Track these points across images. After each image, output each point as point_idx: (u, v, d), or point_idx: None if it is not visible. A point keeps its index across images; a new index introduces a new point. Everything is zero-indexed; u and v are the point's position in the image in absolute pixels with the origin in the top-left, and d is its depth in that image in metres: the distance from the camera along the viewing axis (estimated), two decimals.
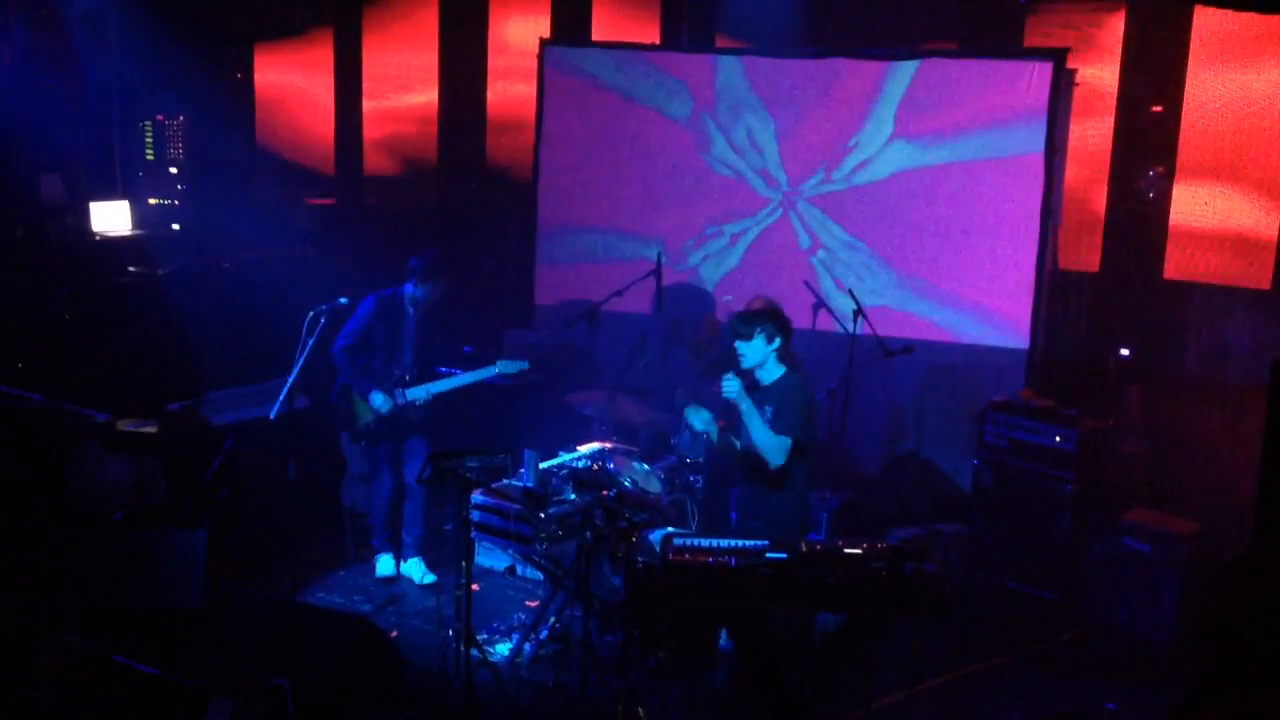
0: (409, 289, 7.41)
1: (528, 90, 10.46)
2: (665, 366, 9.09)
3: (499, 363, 7.45)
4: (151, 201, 10.29)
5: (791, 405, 5.88)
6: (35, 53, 9.44)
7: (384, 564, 7.72)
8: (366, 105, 11.62)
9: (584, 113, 9.96)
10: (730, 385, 5.81)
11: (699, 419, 6.10)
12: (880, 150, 9.13)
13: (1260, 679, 3.00)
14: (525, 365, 7.50)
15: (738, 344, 6.01)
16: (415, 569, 7.69)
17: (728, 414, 6.16)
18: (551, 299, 10.07)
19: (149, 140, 10.44)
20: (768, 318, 6.02)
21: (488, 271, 10.78)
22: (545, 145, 10.10)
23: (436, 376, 7.50)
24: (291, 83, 11.61)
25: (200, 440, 7.51)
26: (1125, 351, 8.86)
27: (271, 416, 6.86)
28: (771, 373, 6.02)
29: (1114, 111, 9.02)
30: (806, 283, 8.84)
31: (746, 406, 5.84)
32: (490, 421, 8.41)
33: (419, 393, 7.39)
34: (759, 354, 5.96)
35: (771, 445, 5.80)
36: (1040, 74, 8.64)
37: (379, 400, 7.34)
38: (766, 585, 5.23)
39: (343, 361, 7.36)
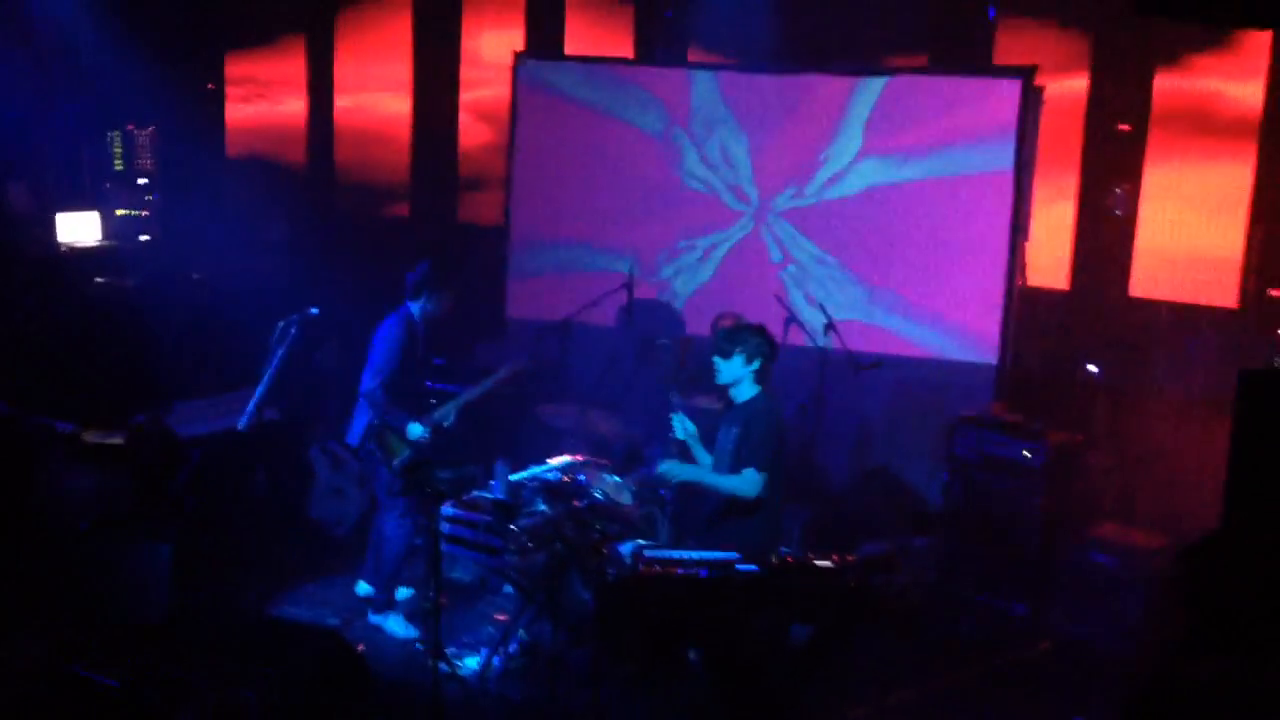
0: (414, 307, 7.17)
1: (500, 100, 10.46)
2: (637, 380, 9.09)
3: (506, 364, 7.34)
4: (120, 212, 10.24)
5: (758, 433, 5.84)
6: (3, 60, 9.38)
7: (396, 625, 7.19)
8: (338, 114, 11.58)
9: (557, 126, 9.97)
10: (669, 469, 5.83)
11: (671, 469, 6.10)
12: (850, 165, 9.18)
13: (1232, 645, 3.07)
14: (526, 362, 7.45)
15: (715, 359, 5.98)
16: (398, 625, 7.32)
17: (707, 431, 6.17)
18: (523, 312, 10.04)
19: (118, 150, 10.39)
20: (753, 338, 5.97)
21: (456, 282, 10.75)
22: (518, 157, 10.10)
23: (439, 394, 7.30)
24: (262, 92, 11.57)
25: (167, 451, 7.44)
26: (1093, 367, 8.91)
27: (240, 428, 6.81)
28: (745, 392, 6.00)
29: (1081, 127, 9.09)
30: (777, 297, 8.88)
31: (696, 475, 5.85)
32: (461, 433, 8.39)
33: (448, 415, 7.14)
34: (735, 373, 5.94)
35: (739, 487, 5.77)
36: (1008, 91, 8.72)
37: (418, 431, 7.01)
38: (737, 597, 5.25)
39: (382, 399, 6.97)
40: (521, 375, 7.44)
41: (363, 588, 7.40)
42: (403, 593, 7.42)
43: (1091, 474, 8.16)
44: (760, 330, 6.13)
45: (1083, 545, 7.38)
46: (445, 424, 7.13)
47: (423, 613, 6.52)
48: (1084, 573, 7.34)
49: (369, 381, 6.99)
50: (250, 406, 6.87)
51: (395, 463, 6.99)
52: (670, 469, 5.83)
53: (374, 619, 7.18)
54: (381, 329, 7.07)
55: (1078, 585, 7.39)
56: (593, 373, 9.14)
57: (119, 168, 10.35)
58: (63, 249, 9.49)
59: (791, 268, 9.39)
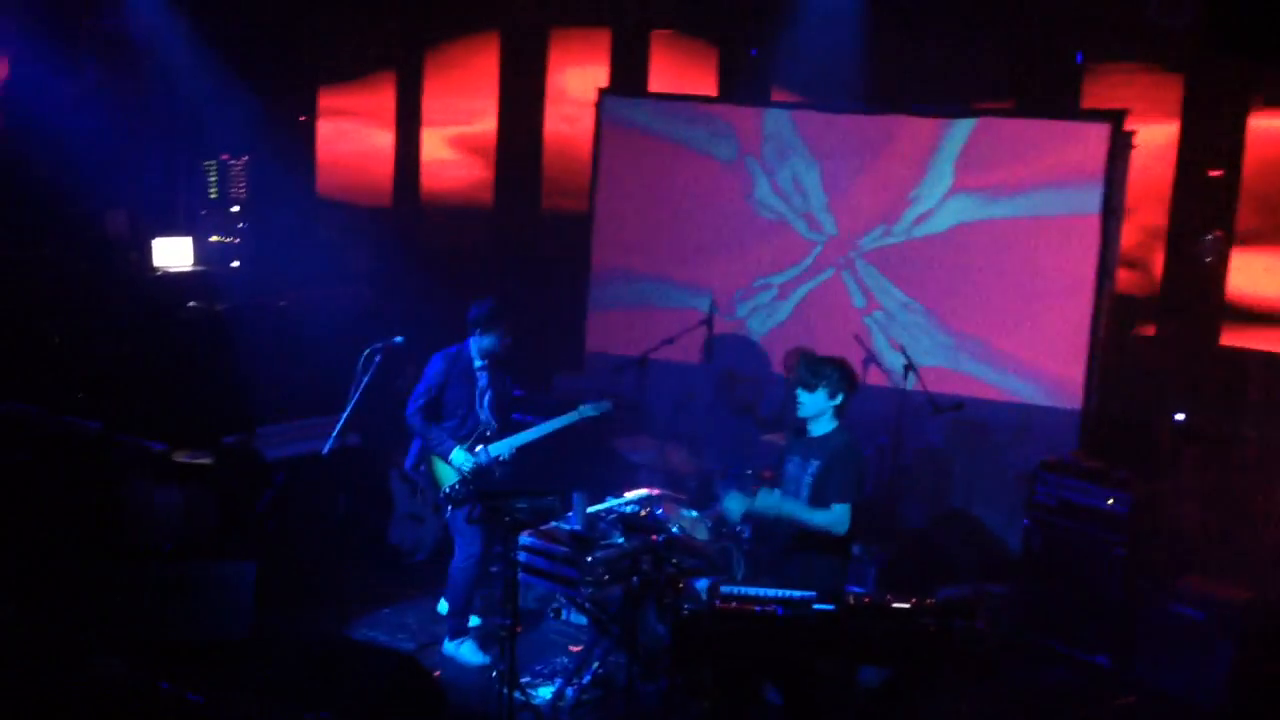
0: (471, 341, 7.21)
1: (584, 136, 10.57)
2: (713, 416, 9.09)
3: (581, 406, 7.27)
4: (213, 239, 10.48)
5: (846, 468, 5.77)
6: (105, 90, 9.67)
7: (467, 651, 7.17)
8: (425, 148, 11.76)
9: (639, 162, 10.06)
10: (764, 501, 5.79)
11: (735, 508, 6.05)
12: (940, 203, 9.14)
13: None
14: (609, 406, 7.30)
15: (799, 391, 5.93)
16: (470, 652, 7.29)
17: (775, 466, 6.13)
18: (601, 345, 10.10)
19: (213, 179, 10.65)
20: (835, 372, 5.91)
21: (539, 316, 10.85)
22: (600, 193, 10.20)
23: (517, 428, 7.32)
24: (352, 125, 11.79)
25: (252, 473, 7.58)
26: (1180, 416, 8.75)
27: (324, 452, 6.90)
28: (823, 426, 5.95)
29: (1172, 172, 8.98)
30: (857, 337, 8.85)
31: (790, 509, 5.77)
32: (539, 465, 8.43)
33: (501, 448, 7.15)
34: (818, 406, 5.89)
35: (829, 522, 5.69)
36: (1097, 134, 8.65)
37: (460, 458, 7.04)
38: (813, 636, 5.21)
39: (419, 424, 7.06)
40: (589, 421, 7.36)
41: (444, 606, 7.44)
42: (473, 620, 7.47)
43: (1177, 524, 8.00)
44: (842, 363, 6.05)
45: (1168, 596, 7.22)
46: (502, 458, 7.13)
47: (496, 638, 6.54)
48: (1169, 624, 7.17)
49: (408, 408, 7.10)
50: (334, 431, 6.97)
51: (443, 490, 7.08)
52: (764, 501, 5.77)
53: (447, 648, 7.22)
54: (429, 361, 7.17)
55: (1161, 637, 7.22)
56: (670, 407, 9.16)
57: (213, 196, 10.60)
58: (157, 273, 9.72)
59: (877, 313, 9.35)
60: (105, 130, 9.63)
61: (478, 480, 7.06)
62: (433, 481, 7.17)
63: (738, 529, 7.41)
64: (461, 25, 11.54)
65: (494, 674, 6.35)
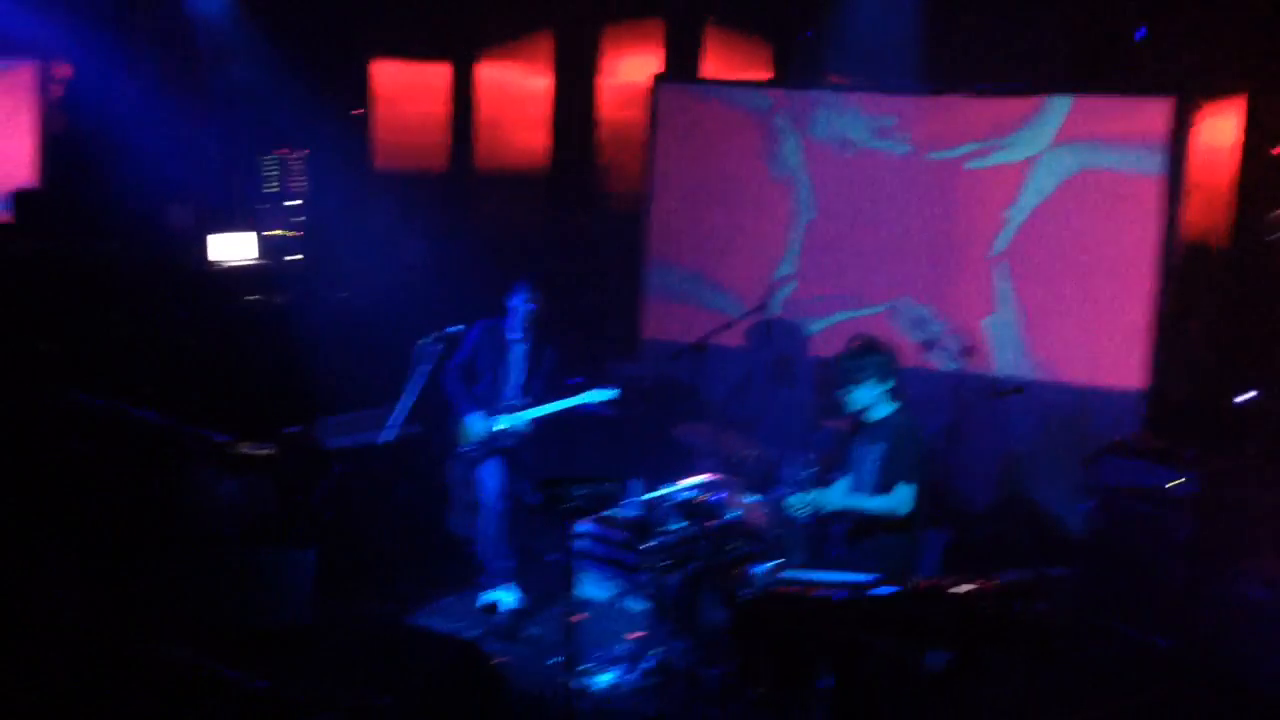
0: (509, 313, 7.47)
1: (639, 121, 10.53)
2: (771, 401, 9.06)
3: (592, 390, 7.43)
4: (272, 232, 10.58)
5: (907, 448, 5.76)
6: (165, 85, 9.78)
7: (508, 598, 7.57)
8: (480, 128, 11.76)
9: (694, 151, 10.02)
10: (820, 497, 5.76)
11: (799, 504, 6.05)
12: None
13: None
14: (616, 393, 7.41)
15: (848, 388, 5.91)
16: (506, 595, 7.60)
17: (833, 452, 6.11)
18: (657, 333, 10.10)
19: (273, 173, 10.75)
20: (875, 357, 5.90)
21: (594, 302, 10.84)
22: (656, 180, 10.18)
23: (534, 403, 7.48)
24: (409, 117, 11.82)
25: (313, 463, 7.65)
26: (1248, 395, 8.59)
27: (382, 442, 6.97)
28: (881, 410, 5.92)
29: (1239, 149, 8.80)
30: (917, 321, 8.77)
31: (854, 501, 5.75)
32: (596, 451, 8.45)
33: (511, 420, 7.40)
34: (869, 397, 5.88)
35: (892, 504, 5.68)
36: (1159, 110, 8.50)
37: (475, 423, 7.39)
38: (872, 620, 5.17)
39: (449, 382, 7.45)
40: (601, 406, 7.46)
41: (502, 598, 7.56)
42: (511, 598, 7.56)
43: (1245, 505, 7.86)
44: (876, 345, 6.03)
45: (1233, 578, 7.11)
46: (515, 428, 7.39)
47: (550, 629, 6.58)
48: (1236, 607, 7.06)
49: (446, 368, 7.43)
50: (393, 421, 7.04)
51: (461, 448, 7.48)
52: (823, 497, 5.77)
53: (484, 597, 7.46)
54: (474, 325, 7.51)
55: (1228, 619, 7.11)
56: (726, 393, 9.14)
57: (273, 189, 10.70)
58: (217, 267, 9.84)
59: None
60: (166, 126, 9.75)
61: (490, 446, 7.38)
62: (454, 439, 7.52)
63: (801, 520, 7.40)
64: (516, 26, 11.51)
65: (553, 661, 6.37)
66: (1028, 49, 9.24)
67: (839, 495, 5.86)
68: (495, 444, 7.43)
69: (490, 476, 7.48)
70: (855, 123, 9.46)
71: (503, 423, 7.40)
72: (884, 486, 5.74)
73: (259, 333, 9.13)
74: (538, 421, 7.42)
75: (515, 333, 7.47)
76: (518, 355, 7.49)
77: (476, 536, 7.72)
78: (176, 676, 5.47)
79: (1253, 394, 8.48)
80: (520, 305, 7.40)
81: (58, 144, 10.06)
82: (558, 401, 7.44)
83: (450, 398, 7.48)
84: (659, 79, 10.26)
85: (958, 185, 9.13)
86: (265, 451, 7.62)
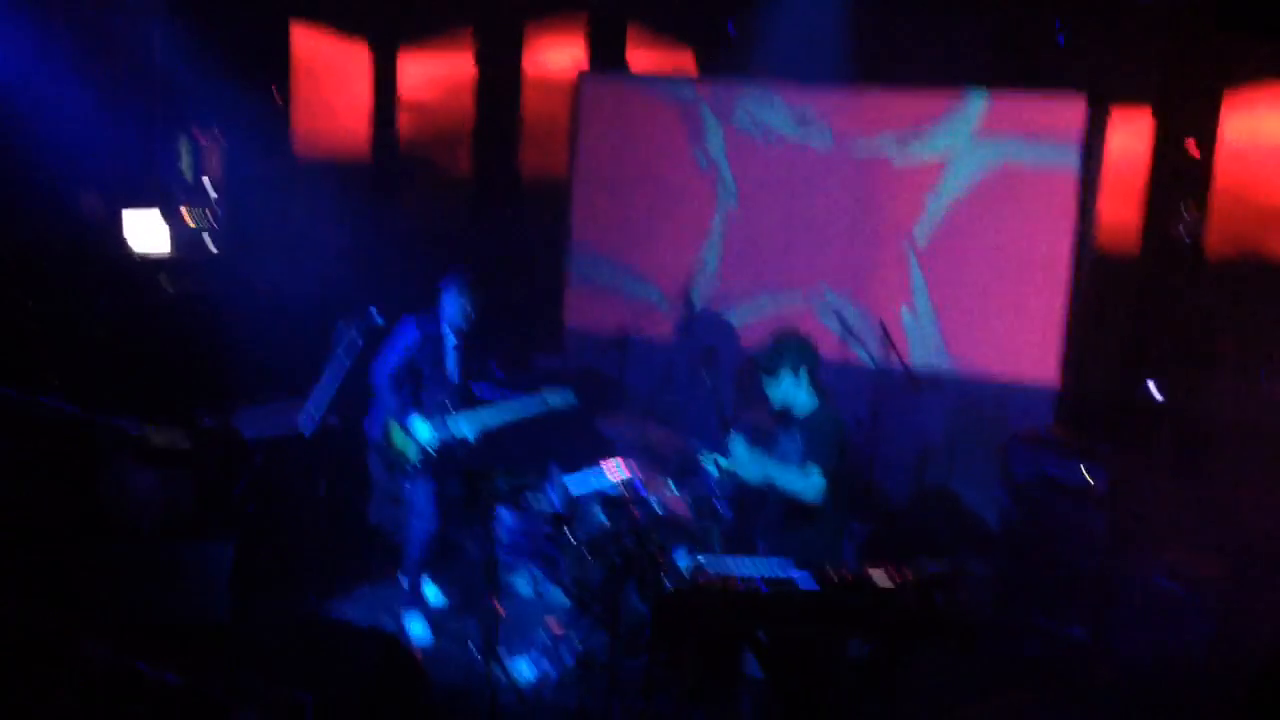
0: (442, 310, 7.22)
1: (562, 110, 10.47)
2: (693, 393, 9.09)
3: (544, 393, 7.21)
4: (187, 218, 10.37)
5: (823, 438, 5.81)
6: (77, 64, 9.54)
7: (416, 628, 7.26)
8: (402, 115, 11.63)
9: (618, 142, 10.03)
10: (737, 453, 5.80)
11: (712, 466, 6.09)
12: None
13: None
14: (572, 398, 7.22)
15: (765, 384, 5.94)
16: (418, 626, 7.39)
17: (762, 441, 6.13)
18: (580, 322, 10.09)
19: (187, 158, 10.54)
20: (790, 348, 5.93)
21: (517, 292, 10.79)
22: (579, 171, 10.17)
23: (478, 403, 7.24)
24: (330, 100, 11.66)
25: (231, 454, 7.53)
26: (1154, 389, 8.80)
27: (303, 432, 6.87)
28: (804, 402, 5.96)
29: (1151, 149, 8.99)
30: (836, 312, 8.86)
31: (762, 462, 5.79)
32: (518, 442, 8.41)
33: (467, 429, 7.09)
34: (787, 390, 5.90)
35: (802, 487, 5.72)
36: (1076, 106, 8.66)
37: (426, 434, 7.04)
38: (795, 611, 5.22)
39: (384, 388, 7.08)
40: (562, 412, 7.31)
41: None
42: (433, 594, 7.47)
43: (1155, 498, 8.05)
44: (796, 337, 6.06)
45: (1145, 570, 7.27)
46: (468, 439, 7.07)
47: (477, 617, 6.55)
48: (1146, 597, 7.23)
49: (377, 371, 7.05)
50: (313, 411, 6.94)
51: (411, 462, 7.03)
52: (739, 451, 5.78)
53: (403, 615, 7.21)
54: (398, 324, 7.12)
55: (1141, 611, 7.28)
56: (649, 385, 9.16)
57: (187, 176, 10.49)
58: (133, 256, 9.64)
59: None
60: (76, 107, 9.50)
61: (441, 458, 7.04)
62: (395, 454, 7.10)
63: (717, 503, 7.44)
64: (439, 14, 11.39)
65: (476, 653, 6.35)
66: (950, 45, 9.34)
67: (746, 451, 5.87)
68: (444, 454, 7.09)
69: (425, 500, 7.16)
70: (777, 113, 9.52)
71: (459, 431, 7.06)
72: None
73: (176, 321, 8.95)
74: (488, 431, 7.16)
75: (449, 333, 7.19)
76: (453, 357, 7.23)
77: (410, 547, 7.35)
78: (91, 673, 5.37)
79: (1154, 390, 8.68)
80: (456, 308, 7.09)
81: None
82: (510, 407, 7.21)
83: (384, 405, 7.10)
84: (582, 74, 10.24)
85: (878, 177, 9.23)
86: (182, 443, 7.48)
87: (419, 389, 7.12)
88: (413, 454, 7.05)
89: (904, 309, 9.15)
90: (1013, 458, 7.89)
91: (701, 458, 6.12)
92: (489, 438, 7.18)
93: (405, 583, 7.39)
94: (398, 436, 7.07)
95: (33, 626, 5.66)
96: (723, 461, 6.03)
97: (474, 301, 7.12)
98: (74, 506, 7.13)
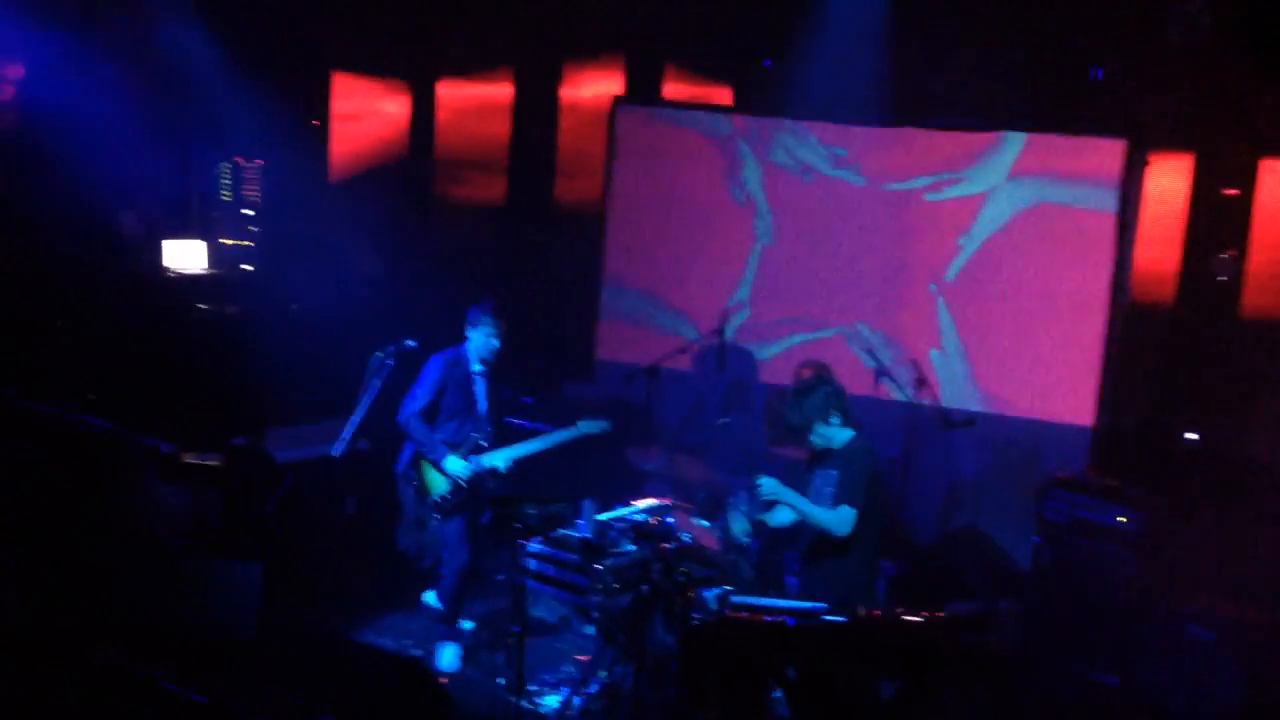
0: (469, 343, 7.19)
1: (599, 143, 10.51)
2: (723, 427, 9.06)
3: (580, 423, 7.23)
4: (225, 241, 10.47)
5: (854, 472, 5.79)
6: (122, 89, 9.66)
7: (446, 655, 7.15)
8: (439, 145, 11.71)
9: (653, 173, 10.03)
10: (767, 485, 5.77)
11: (739, 527, 6.06)
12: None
13: None
14: (607, 425, 7.25)
15: (800, 425, 5.93)
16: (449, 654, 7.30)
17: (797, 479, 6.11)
18: (612, 354, 10.09)
19: (226, 181, 10.65)
20: (816, 392, 5.91)
21: (550, 322, 10.81)
22: (614, 202, 10.18)
23: (512, 434, 7.25)
24: (367, 127, 11.75)
25: (261, 475, 7.56)
26: (1193, 435, 8.71)
27: (334, 454, 6.88)
28: (840, 437, 5.95)
29: (1189, 192, 8.93)
30: (869, 350, 8.83)
31: (791, 497, 5.76)
32: (547, 471, 8.40)
33: (498, 459, 7.12)
34: (822, 430, 5.90)
35: (832, 521, 5.70)
36: (1112, 150, 8.64)
37: (457, 466, 7.03)
38: (823, 647, 5.18)
39: (414, 428, 7.04)
40: (592, 439, 7.33)
41: (431, 597, 7.41)
42: (466, 625, 7.45)
43: (1189, 544, 7.95)
44: (818, 380, 6.09)
45: (1179, 616, 7.17)
46: (499, 469, 7.09)
47: (503, 646, 6.52)
48: (1179, 644, 7.13)
49: (404, 410, 7.05)
50: (345, 434, 6.96)
51: (433, 497, 7.07)
52: (769, 486, 5.76)
53: (435, 642, 7.20)
54: (426, 363, 7.12)
55: (1172, 657, 7.18)
56: (680, 417, 9.14)
57: (226, 198, 10.60)
58: (169, 275, 9.72)
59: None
60: (121, 130, 9.62)
61: (472, 489, 7.05)
62: (423, 488, 7.13)
63: (745, 540, 7.40)
64: (479, 49, 11.46)
65: (501, 682, 6.31)
66: (988, 86, 9.33)
67: (791, 494, 5.84)
68: (479, 485, 7.09)
69: (455, 532, 7.15)
70: (814, 151, 9.52)
71: (490, 462, 7.09)
72: (834, 508, 5.79)
73: (210, 342, 9.02)
74: (519, 459, 7.17)
75: (477, 364, 7.18)
76: (481, 388, 7.23)
77: (441, 587, 7.30)
78: (117, 688, 5.37)
79: (1193, 436, 8.59)
80: (483, 342, 7.11)
81: (7, 146, 9.91)
82: (548, 437, 7.24)
83: (414, 441, 7.10)
84: (619, 100, 10.28)
85: (914, 215, 9.22)
86: (211, 461, 7.51)
87: (446, 423, 7.11)
88: (443, 487, 7.07)
89: (934, 347, 9.10)
90: (1046, 500, 7.82)
91: (732, 518, 6.12)
92: (521, 466, 7.18)
93: (434, 610, 7.35)
94: (428, 472, 7.09)
95: (60, 639, 5.68)
96: (746, 521, 6.03)
97: (501, 334, 7.13)
98: (105, 521, 7.16)
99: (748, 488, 7.56)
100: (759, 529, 6.48)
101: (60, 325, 8.74)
